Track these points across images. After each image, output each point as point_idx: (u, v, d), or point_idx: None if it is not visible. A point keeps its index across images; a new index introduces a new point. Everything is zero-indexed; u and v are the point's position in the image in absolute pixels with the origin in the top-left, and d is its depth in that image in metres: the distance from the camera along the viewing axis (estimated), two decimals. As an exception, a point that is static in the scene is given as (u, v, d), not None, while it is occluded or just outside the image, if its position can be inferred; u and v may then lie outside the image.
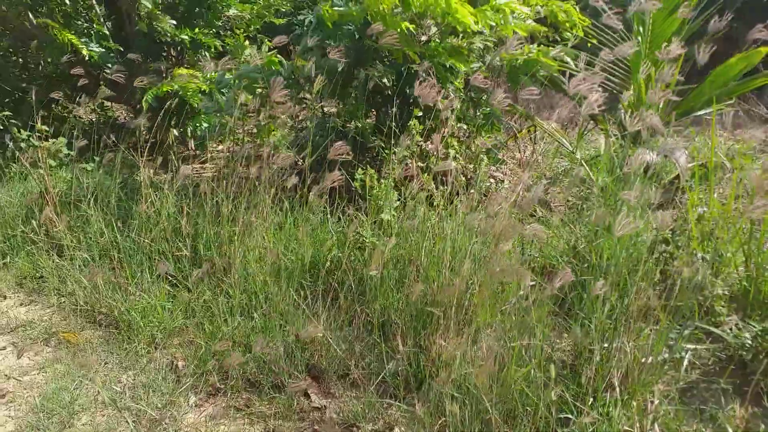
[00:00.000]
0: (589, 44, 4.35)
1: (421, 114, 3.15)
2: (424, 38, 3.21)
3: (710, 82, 3.64)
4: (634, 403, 1.97)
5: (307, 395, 2.40)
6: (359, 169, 2.94)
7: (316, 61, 3.19)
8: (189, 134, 4.88)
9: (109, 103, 5.66)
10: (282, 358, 2.46)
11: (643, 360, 2.07)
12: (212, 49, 5.03)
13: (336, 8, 3.31)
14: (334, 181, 2.35)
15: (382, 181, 2.86)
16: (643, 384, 2.03)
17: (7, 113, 4.46)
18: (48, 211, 3.39)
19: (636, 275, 2.20)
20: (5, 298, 3.32)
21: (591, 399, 2.00)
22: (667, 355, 2.16)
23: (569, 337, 2.34)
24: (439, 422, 2.07)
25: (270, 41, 5.54)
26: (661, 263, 2.43)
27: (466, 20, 3.03)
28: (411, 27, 3.16)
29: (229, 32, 5.43)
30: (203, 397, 2.51)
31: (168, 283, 3.02)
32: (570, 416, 1.94)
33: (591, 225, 2.58)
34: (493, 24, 3.17)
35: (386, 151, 3.35)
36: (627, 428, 1.89)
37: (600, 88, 2.24)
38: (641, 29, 3.57)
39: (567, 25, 3.65)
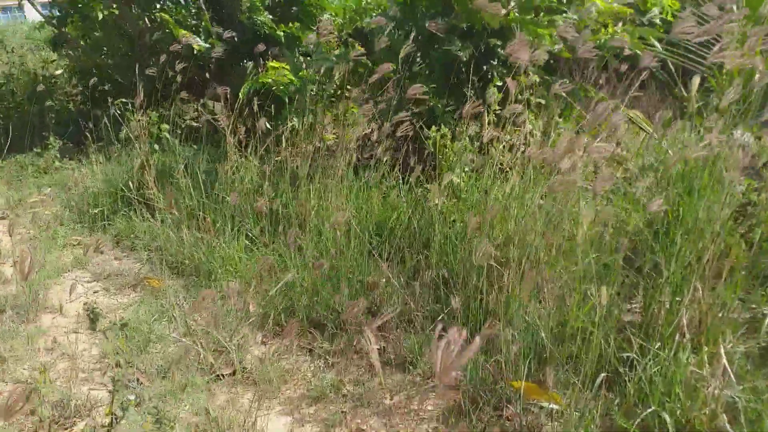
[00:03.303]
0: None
1: (500, 83, 3.15)
2: (503, 12, 3.24)
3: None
4: (705, 348, 1.85)
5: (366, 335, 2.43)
6: (432, 127, 2.96)
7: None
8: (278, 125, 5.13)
9: (211, 103, 6.06)
10: (346, 301, 2.51)
11: (716, 312, 1.95)
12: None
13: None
14: (403, 121, 2.42)
15: (455, 143, 2.88)
16: (715, 331, 1.90)
17: (123, 101, 4.90)
18: (145, 177, 3.68)
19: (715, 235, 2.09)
20: (102, 253, 3.60)
21: (657, 344, 1.90)
22: (739, 314, 2.02)
23: (640, 294, 2.24)
24: (493, 359, 2.04)
25: (361, 46, 5.77)
26: (744, 225, 2.29)
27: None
28: None
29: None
30: (269, 335, 2.60)
31: (247, 239, 3.18)
32: (631, 354, 1.85)
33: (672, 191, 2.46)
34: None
35: (457, 126, 3.37)
36: (694, 369, 1.78)
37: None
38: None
39: (654, 7, 3.56)
